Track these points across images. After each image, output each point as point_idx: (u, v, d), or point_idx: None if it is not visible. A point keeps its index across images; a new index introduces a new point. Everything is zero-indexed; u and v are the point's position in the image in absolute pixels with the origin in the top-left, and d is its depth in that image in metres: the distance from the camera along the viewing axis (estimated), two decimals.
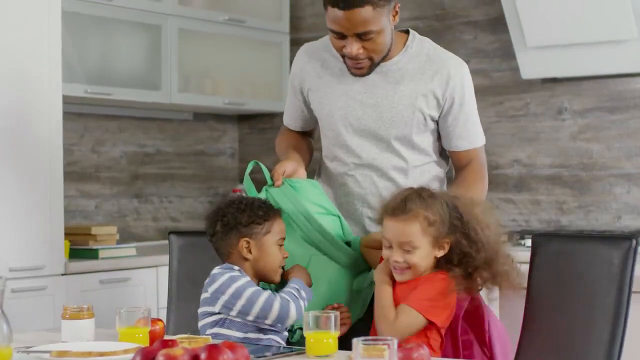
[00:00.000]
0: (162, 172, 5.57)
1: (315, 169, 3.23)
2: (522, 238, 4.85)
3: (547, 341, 2.88)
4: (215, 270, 2.78)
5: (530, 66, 5.07)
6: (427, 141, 3.08)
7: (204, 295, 2.79)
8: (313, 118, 3.21)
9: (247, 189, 2.98)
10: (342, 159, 3.08)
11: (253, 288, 2.71)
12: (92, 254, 4.54)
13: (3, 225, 4.09)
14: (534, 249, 2.98)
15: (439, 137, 3.12)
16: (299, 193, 2.93)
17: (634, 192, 4.97)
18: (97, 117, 5.23)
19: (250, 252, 2.78)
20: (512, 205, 5.29)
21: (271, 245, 2.80)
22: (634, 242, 2.80)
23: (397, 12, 3.00)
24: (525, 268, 3.04)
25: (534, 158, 5.24)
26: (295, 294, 2.72)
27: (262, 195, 2.92)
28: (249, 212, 2.79)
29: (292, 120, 3.28)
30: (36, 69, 4.21)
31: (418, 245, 2.70)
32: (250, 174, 3.00)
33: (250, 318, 2.70)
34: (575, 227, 5.09)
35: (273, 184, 2.93)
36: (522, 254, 4.42)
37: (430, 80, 3.02)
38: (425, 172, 3.10)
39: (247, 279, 2.75)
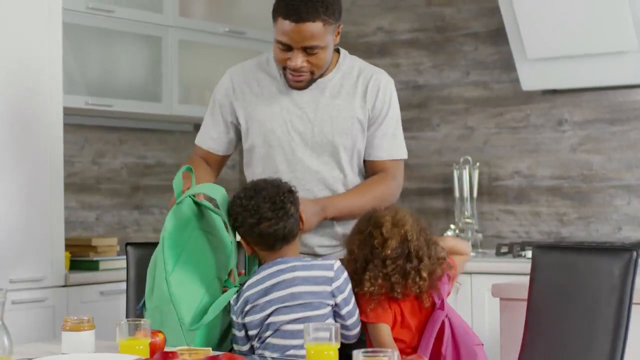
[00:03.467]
0: (162, 183, 5.57)
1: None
2: (523, 249, 4.85)
3: (548, 353, 2.88)
4: (337, 264, 2.80)
5: (531, 78, 5.07)
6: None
7: (322, 288, 2.78)
8: (237, 141, 3.25)
9: (176, 188, 3.00)
10: (283, 174, 3.10)
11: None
12: (93, 266, 4.53)
13: (3, 237, 4.09)
14: (535, 261, 2.98)
15: None
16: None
17: (634, 204, 4.97)
18: (97, 128, 5.23)
19: None
20: (512, 217, 5.29)
21: None
22: (635, 253, 2.79)
23: (339, 32, 3.09)
24: (525, 279, 3.04)
25: (534, 169, 5.24)
26: None
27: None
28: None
29: (215, 143, 3.25)
30: (37, 81, 4.22)
31: None
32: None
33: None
34: (576, 239, 5.09)
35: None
36: (522, 266, 4.45)
37: (364, 93, 3.12)
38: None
39: None
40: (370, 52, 5.66)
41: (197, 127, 5.74)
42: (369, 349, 2.05)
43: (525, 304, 2.96)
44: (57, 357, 2.58)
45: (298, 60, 2.99)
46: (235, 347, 2.87)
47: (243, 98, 3.17)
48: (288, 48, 3.00)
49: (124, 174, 5.38)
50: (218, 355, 2.40)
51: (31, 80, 4.20)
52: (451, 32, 5.49)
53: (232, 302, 2.83)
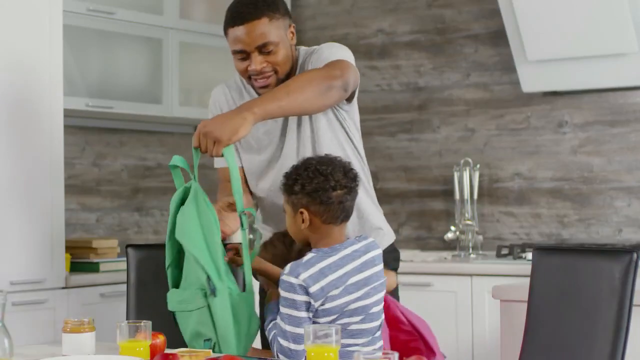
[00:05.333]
0: (163, 185, 5.57)
1: None
2: (523, 251, 4.85)
3: (548, 355, 2.88)
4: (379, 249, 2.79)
5: (531, 80, 5.07)
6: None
7: (374, 277, 2.75)
8: None
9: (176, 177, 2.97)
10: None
11: None
12: (93, 267, 4.54)
13: (4, 239, 4.09)
14: (535, 263, 2.98)
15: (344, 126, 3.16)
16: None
17: (634, 206, 4.97)
18: (98, 130, 5.23)
19: None
20: (513, 219, 5.29)
21: None
22: (635, 255, 2.79)
23: (293, 33, 3.10)
24: (526, 281, 3.04)
25: (534, 171, 5.24)
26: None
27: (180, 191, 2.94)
28: None
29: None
30: (37, 83, 4.22)
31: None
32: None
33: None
34: (576, 241, 5.09)
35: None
36: (523, 268, 4.45)
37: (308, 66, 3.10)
38: None
39: None
40: (370, 53, 5.67)
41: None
42: (370, 351, 2.05)
43: (525, 305, 2.96)
44: (57, 359, 2.58)
45: (257, 62, 3.01)
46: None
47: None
48: (245, 55, 3.02)
49: (125, 175, 5.38)
50: (218, 357, 2.41)
51: (32, 82, 4.20)
52: (452, 33, 5.49)
53: (303, 284, 2.65)
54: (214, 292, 2.70)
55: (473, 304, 4.68)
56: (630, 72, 4.84)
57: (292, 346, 2.63)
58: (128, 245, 3.53)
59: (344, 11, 5.77)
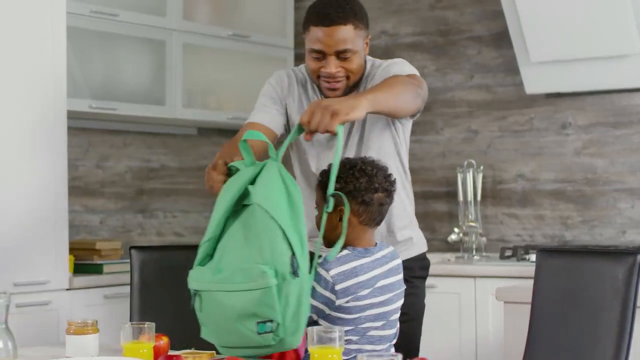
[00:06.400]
0: (166, 187, 5.58)
1: None
2: (527, 253, 4.85)
3: (552, 356, 2.88)
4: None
5: (534, 81, 5.07)
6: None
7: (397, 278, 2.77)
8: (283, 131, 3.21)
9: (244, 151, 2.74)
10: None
11: None
12: (97, 269, 4.54)
13: (8, 240, 4.09)
14: (538, 265, 2.98)
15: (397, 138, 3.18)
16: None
17: (638, 207, 4.97)
18: (101, 132, 5.23)
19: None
20: (516, 220, 5.28)
21: None
22: (638, 257, 2.79)
23: (367, 44, 3.14)
24: (529, 283, 3.04)
25: (537, 173, 5.24)
26: None
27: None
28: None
29: (272, 122, 3.15)
30: (41, 84, 4.23)
31: None
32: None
33: None
34: (580, 242, 5.09)
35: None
36: (526, 269, 4.45)
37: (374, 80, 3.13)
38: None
39: None
40: (373, 55, 5.61)
41: (201, 130, 5.76)
42: (374, 352, 2.05)
43: (529, 307, 2.96)
44: None
45: (332, 65, 3.02)
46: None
47: (292, 99, 3.18)
48: (322, 55, 3.03)
49: (128, 177, 5.38)
50: (222, 358, 2.41)
51: (35, 83, 4.21)
52: (455, 35, 5.49)
53: (331, 280, 2.62)
54: (296, 272, 2.50)
55: (477, 305, 4.68)
56: (633, 73, 4.84)
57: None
58: (132, 247, 3.54)
59: None
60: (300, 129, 2.68)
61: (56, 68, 4.28)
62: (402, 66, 3.13)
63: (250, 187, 2.60)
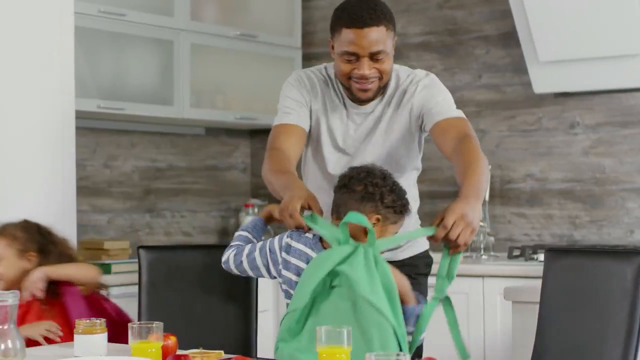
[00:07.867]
0: (174, 186, 5.58)
1: None
2: (535, 253, 4.84)
3: (560, 356, 2.88)
4: None
5: (543, 81, 5.07)
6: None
7: None
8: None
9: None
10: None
11: None
12: (105, 269, 4.54)
13: None
14: (547, 264, 2.98)
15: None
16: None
17: None
18: (109, 132, 5.24)
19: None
20: (524, 220, 5.28)
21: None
22: None
23: (393, 46, 3.12)
24: (538, 283, 3.04)
25: (546, 172, 5.23)
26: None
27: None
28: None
29: (304, 123, 3.16)
30: (49, 84, 4.23)
31: None
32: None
33: None
34: (588, 242, 5.08)
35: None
36: (535, 269, 4.44)
37: (411, 97, 3.13)
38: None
39: None
40: None
41: (208, 130, 5.76)
42: (382, 352, 2.05)
43: (537, 307, 2.96)
44: None
45: (366, 67, 3.01)
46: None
47: (316, 100, 3.18)
48: (355, 57, 3.01)
49: (136, 177, 5.39)
50: (230, 358, 2.41)
51: (43, 83, 4.21)
52: (463, 35, 5.49)
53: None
54: None
55: (485, 305, 4.67)
56: None
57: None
58: (139, 247, 3.54)
59: None
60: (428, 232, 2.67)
61: (64, 68, 4.28)
62: (448, 103, 3.10)
63: (342, 269, 2.58)
